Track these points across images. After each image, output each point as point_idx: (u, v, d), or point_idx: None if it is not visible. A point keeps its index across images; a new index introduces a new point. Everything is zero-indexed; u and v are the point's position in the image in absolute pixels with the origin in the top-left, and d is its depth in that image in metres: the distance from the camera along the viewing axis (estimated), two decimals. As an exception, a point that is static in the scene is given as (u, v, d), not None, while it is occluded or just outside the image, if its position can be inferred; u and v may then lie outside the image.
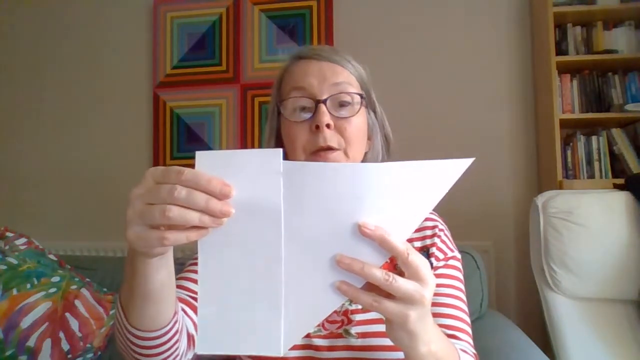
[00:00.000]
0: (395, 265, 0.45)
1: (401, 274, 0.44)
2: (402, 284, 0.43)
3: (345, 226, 0.42)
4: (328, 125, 0.65)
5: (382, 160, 0.75)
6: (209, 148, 2.08)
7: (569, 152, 1.73)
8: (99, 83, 2.21)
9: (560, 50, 1.77)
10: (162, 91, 2.13)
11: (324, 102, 0.66)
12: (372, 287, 0.44)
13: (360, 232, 0.42)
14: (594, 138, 1.71)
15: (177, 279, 0.65)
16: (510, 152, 1.91)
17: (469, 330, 0.67)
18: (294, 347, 0.65)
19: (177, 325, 0.56)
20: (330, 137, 0.65)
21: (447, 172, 0.43)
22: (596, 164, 1.70)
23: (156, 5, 2.16)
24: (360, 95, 0.68)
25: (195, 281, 0.69)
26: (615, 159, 1.70)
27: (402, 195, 0.43)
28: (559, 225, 1.29)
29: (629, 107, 1.68)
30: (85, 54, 2.23)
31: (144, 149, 2.15)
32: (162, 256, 0.47)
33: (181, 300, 0.65)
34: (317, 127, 0.64)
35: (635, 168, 1.65)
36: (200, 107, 2.10)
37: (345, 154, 0.67)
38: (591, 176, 1.70)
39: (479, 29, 1.94)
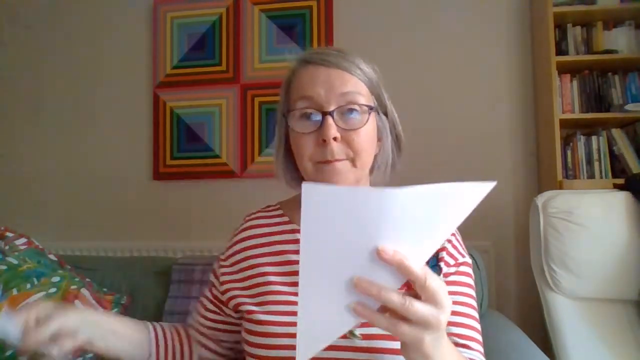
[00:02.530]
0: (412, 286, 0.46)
1: (417, 295, 0.44)
2: (418, 308, 0.43)
3: (365, 249, 0.43)
4: (335, 138, 0.64)
5: (393, 161, 0.74)
6: (209, 148, 2.08)
7: (569, 152, 1.73)
8: (99, 83, 2.21)
9: (560, 50, 1.77)
10: (162, 91, 2.13)
11: (331, 113, 0.64)
12: (387, 308, 0.44)
13: (379, 257, 0.42)
14: (594, 138, 1.71)
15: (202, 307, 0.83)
16: (510, 152, 1.91)
17: (480, 338, 0.67)
18: None
19: None
20: (337, 150, 0.64)
21: (469, 196, 0.43)
22: (596, 164, 1.70)
23: (156, 5, 2.16)
24: (368, 106, 0.67)
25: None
26: (615, 159, 1.70)
27: (423, 219, 0.42)
28: (559, 225, 1.29)
29: (629, 107, 1.68)
30: (85, 54, 2.23)
31: (144, 149, 2.15)
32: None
33: (202, 333, 0.80)
34: (324, 140, 0.64)
35: (635, 168, 1.65)
36: (200, 107, 2.10)
37: (353, 163, 0.66)
38: (591, 176, 1.70)
39: (479, 29, 1.94)
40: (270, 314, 0.68)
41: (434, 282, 0.43)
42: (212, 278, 0.82)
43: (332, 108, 0.65)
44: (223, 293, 0.77)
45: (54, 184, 2.21)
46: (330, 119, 0.64)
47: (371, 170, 0.72)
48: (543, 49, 1.78)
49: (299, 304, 0.44)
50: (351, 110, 0.66)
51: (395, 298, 0.43)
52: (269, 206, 0.83)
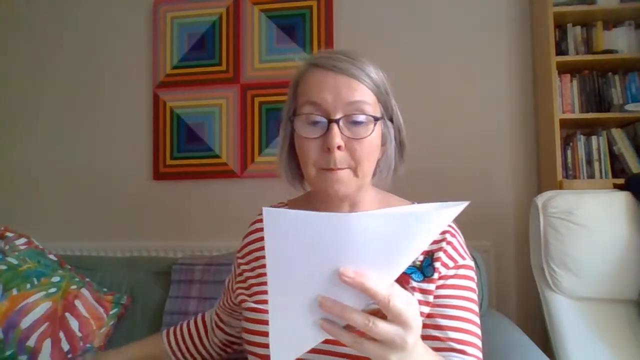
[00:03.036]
0: None
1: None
2: (382, 328, 0.43)
3: (329, 271, 0.43)
4: (339, 147, 0.65)
5: (395, 165, 0.75)
6: (209, 148, 2.08)
7: (569, 152, 1.73)
8: (99, 83, 2.21)
9: (560, 50, 1.77)
10: (162, 91, 2.13)
11: (337, 121, 0.65)
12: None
13: (341, 279, 0.42)
14: (594, 138, 1.71)
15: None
16: (510, 152, 1.91)
17: (479, 342, 0.66)
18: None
19: None
20: (340, 159, 0.65)
21: (438, 219, 0.43)
22: (596, 164, 1.70)
23: (156, 5, 2.16)
24: (374, 117, 0.67)
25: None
26: (615, 159, 1.70)
27: (387, 242, 0.42)
28: (559, 225, 1.29)
29: (629, 107, 1.68)
30: (85, 54, 2.23)
31: (144, 149, 2.15)
32: None
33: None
34: (328, 148, 0.65)
35: (635, 168, 1.65)
36: (200, 107, 2.10)
37: (355, 172, 0.67)
38: (591, 176, 1.70)
39: (479, 29, 1.94)
40: (261, 303, 0.72)
41: (399, 302, 0.43)
42: (232, 269, 0.88)
43: (338, 116, 0.65)
44: (236, 283, 0.83)
45: (53, 183, 2.21)
46: (335, 127, 0.65)
47: (373, 174, 0.73)
48: (543, 49, 1.78)
49: (269, 318, 0.45)
50: (357, 119, 0.66)
51: (358, 318, 0.43)
52: (280, 203, 0.85)
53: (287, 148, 0.75)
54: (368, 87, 0.68)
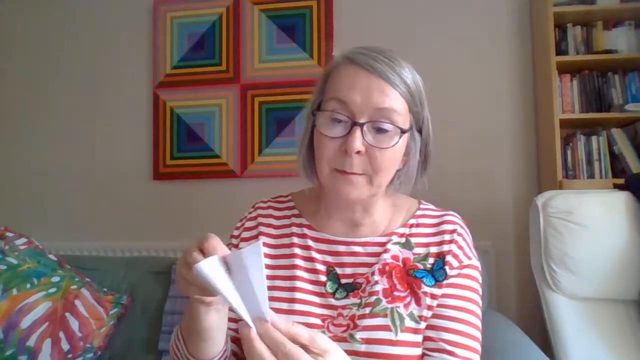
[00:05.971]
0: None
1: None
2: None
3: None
4: (358, 152, 0.62)
5: (415, 179, 0.71)
6: (209, 148, 2.08)
7: (569, 152, 1.73)
8: (99, 83, 2.21)
9: (560, 50, 1.77)
10: (162, 91, 2.13)
11: (361, 125, 0.61)
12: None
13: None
14: (594, 138, 1.71)
15: None
16: (510, 152, 1.91)
17: (474, 345, 0.64)
18: None
19: (224, 355, 0.65)
20: (357, 164, 0.62)
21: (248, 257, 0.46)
22: (596, 164, 1.70)
23: (156, 5, 2.16)
24: (402, 128, 0.63)
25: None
26: (615, 159, 1.70)
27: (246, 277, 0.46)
28: (559, 225, 1.29)
29: (629, 107, 1.68)
30: (86, 54, 2.23)
31: (144, 149, 2.15)
32: (215, 307, 0.56)
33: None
34: (346, 150, 0.62)
35: (635, 168, 1.65)
36: (200, 107, 2.10)
37: (370, 181, 0.64)
38: (591, 176, 1.70)
39: (479, 29, 1.94)
40: None
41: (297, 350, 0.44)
42: None
43: (363, 120, 0.62)
44: None
45: (54, 184, 2.21)
46: (358, 131, 0.61)
47: (391, 183, 0.70)
48: (543, 49, 1.78)
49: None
50: (382, 127, 0.62)
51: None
52: (279, 196, 0.81)
53: (308, 142, 0.71)
54: (401, 95, 0.64)
